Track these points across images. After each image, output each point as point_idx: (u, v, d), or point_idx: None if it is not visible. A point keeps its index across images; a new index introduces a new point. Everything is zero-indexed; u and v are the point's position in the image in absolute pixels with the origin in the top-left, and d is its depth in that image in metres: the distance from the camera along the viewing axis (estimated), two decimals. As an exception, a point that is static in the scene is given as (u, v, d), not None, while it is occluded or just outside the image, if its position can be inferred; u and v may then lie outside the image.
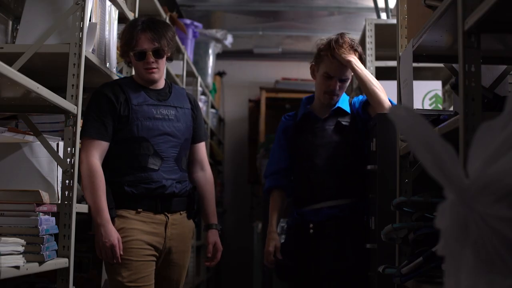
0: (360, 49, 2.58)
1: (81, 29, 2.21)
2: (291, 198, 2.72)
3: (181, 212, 2.48)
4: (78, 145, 2.20)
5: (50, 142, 2.16)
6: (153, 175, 2.38)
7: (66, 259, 2.11)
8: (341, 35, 2.57)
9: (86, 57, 2.24)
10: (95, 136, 2.35)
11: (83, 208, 2.33)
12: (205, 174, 2.67)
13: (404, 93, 2.14)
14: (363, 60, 2.62)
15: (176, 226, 2.45)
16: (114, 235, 2.28)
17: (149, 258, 2.37)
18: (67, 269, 2.12)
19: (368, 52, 3.93)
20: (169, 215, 2.42)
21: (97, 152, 2.34)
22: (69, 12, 2.22)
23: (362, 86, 2.59)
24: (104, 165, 2.37)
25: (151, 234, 2.37)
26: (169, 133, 2.43)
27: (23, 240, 1.82)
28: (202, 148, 2.68)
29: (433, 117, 1.87)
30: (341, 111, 2.66)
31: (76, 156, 2.18)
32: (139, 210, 2.37)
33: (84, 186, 2.32)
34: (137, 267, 2.32)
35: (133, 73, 2.62)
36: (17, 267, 1.75)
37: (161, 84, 2.51)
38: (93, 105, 2.39)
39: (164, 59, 2.45)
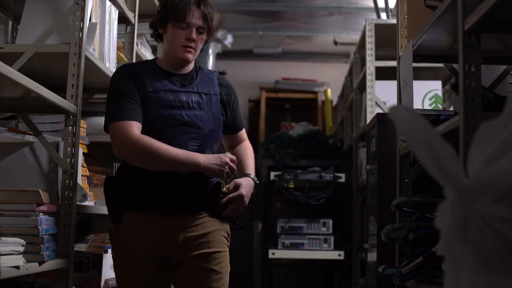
0: None
1: (81, 29, 2.21)
2: None
3: (202, 213, 2.12)
4: (78, 145, 2.20)
5: (50, 142, 2.16)
6: (165, 171, 2.06)
7: (66, 259, 2.11)
8: None
9: (86, 57, 2.24)
10: (129, 118, 2.05)
11: (83, 208, 2.33)
12: (245, 142, 2.41)
13: (404, 93, 2.15)
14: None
15: (194, 228, 2.09)
16: (217, 157, 2.06)
17: (153, 270, 2.07)
18: (67, 269, 2.12)
19: (368, 52, 3.93)
20: (182, 217, 2.08)
21: (136, 129, 2.04)
22: (69, 12, 2.22)
23: None
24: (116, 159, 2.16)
25: (157, 240, 2.06)
26: (188, 123, 2.11)
27: (23, 240, 1.82)
28: (242, 135, 2.39)
29: (433, 117, 1.87)
30: None
31: (76, 156, 2.17)
32: (146, 211, 2.07)
33: (152, 161, 2.04)
34: (138, 281, 2.06)
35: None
36: (17, 267, 1.76)
37: (188, 68, 2.22)
38: (115, 86, 2.12)
39: (202, 42, 2.20)
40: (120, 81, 2.11)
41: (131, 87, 2.09)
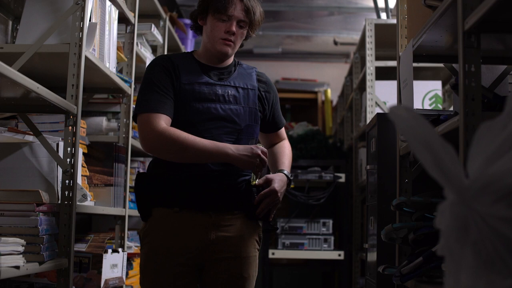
0: None
1: (81, 29, 2.21)
2: None
3: (235, 212, 2.04)
4: (78, 145, 2.20)
5: (50, 142, 2.16)
6: (198, 166, 1.99)
7: (66, 259, 2.11)
8: None
9: (86, 57, 2.24)
10: (156, 110, 1.97)
11: (83, 208, 2.33)
12: (284, 141, 2.32)
13: (404, 93, 2.15)
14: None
15: (227, 228, 2.02)
16: (247, 148, 1.98)
17: (184, 269, 1.98)
18: (67, 269, 2.12)
19: (368, 52, 3.93)
20: (215, 214, 2.00)
21: (163, 121, 1.96)
22: (69, 12, 2.22)
23: None
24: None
25: (188, 238, 1.98)
26: (223, 117, 2.03)
27: (23, 240, 1.82)
28: (281, 134, 2.32)
29: (433, 117, 1.87)
30: None
31: (76, 156, 2.17)
32: (176, 208, 1.99)
33: (178, 152, 1.95)
34: (167, 280, 1.97)
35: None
36: (17, 267, 1.75)
37: (227, 62, 2.14)
38: (148, 78, 2.05)
39: (243, 36, 2.11)
40: (154, 73, 2.04)
41: (164, 79, 2.02)
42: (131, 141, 2.95)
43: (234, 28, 2.04)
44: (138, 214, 2.11)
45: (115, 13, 2.68)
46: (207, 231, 1.99)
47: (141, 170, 3.38)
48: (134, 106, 3.06)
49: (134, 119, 2.04)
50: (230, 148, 1.96)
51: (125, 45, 3.02)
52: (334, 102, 6.43)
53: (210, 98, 2.03)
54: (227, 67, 2.13)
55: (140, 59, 3.31)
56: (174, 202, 1.99)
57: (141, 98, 2.01)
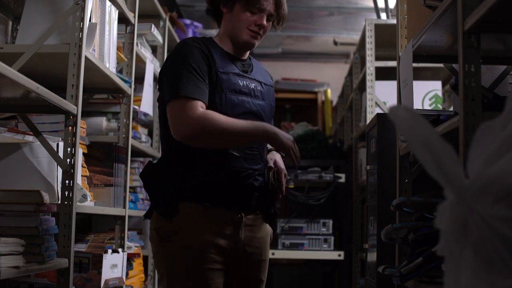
0: None
1: (81, 29, 2.21)
2: None
3: (258, 212, 1.99)
4: (78, 145, 2.20)
5: (50, 142, 2.16)
6: (232, 163, 1.90)
7: (66, 259, 2.11)
8: None
9: (86, 57, 2.24)
10: (194, 95, 1.83)
11: (83, 208, 2.33)
12: None
13: (404, 93, 2.15)
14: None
15: (253, 229, 1.97)
16: (284, 132, 1.93)
17: (217, 266, 1.89)
18: (67, 269, 2.12)
19: (368, 52, 3.93)
20: (242, 213, 1.93)
21: (200, 107, 1.83)
22: (69, 12, 2.22)
23: None
24: (176, 145, 1.89)
25: (220, 236, 1.89)
26: (255, 112, 1.95)
27: (23, 240, 1.82)
28: None
29: (433, 117, 1.87)
30: None
31: (76, 156, 2.17)
32: (207, 204, 1.88)
33: (218, 139, 1.86)
34: (202, 277, 1.86)
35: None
36: (17, 267, 1.75)
37: (246, 54, 2.07)
38: (184, 58, 1.89)
39: (269, 29, 2.05)
40: (190, 55, 1.89)
41: (202, 63, 1.89)
42: (131, 141, 2.95)
43: (265, 22, 1.98)
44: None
45: (115, 13, 2.68)
46: (238, 230, 1.92)
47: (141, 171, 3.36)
48: (136, 106, 3.08)
49: (165, 103, 1.89)
50: (269, 125, 1.91)
51: (125, 45, 3.02)
52: (334, 102, 6.43)
53: (243, 91, 1.94)
54: (247, 59, 2.06)
55: (140, 59, 3.31)
56: (205, 197, 1.88)
57: (178, 81, 1.85)
